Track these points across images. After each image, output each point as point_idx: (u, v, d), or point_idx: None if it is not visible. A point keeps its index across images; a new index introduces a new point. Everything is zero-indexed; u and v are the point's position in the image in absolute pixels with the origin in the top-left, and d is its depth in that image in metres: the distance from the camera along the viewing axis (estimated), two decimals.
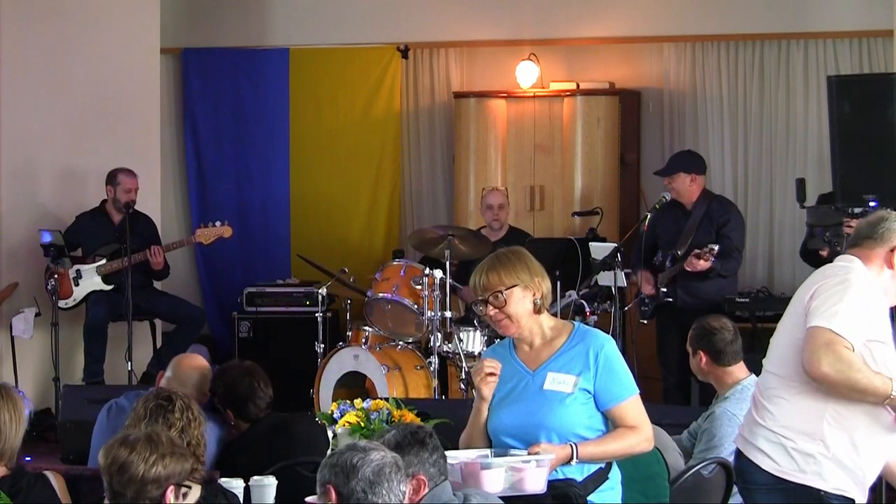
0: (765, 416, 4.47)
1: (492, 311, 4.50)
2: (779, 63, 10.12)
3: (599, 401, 4.47)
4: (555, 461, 4.35)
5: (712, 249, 8.28)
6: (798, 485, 4.39)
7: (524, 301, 4.49)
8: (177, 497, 3.69)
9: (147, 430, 3.79)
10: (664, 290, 8.57)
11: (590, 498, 4.47)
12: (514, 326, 4.53)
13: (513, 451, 4.40)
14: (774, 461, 4.42)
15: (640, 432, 4.50)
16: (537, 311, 4.53)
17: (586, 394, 4.46)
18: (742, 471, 4.55)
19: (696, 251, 8.35)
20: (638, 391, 4.53)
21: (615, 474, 4.59)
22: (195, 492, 4.17)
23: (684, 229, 8.67)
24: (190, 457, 3.78)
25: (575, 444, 4.41)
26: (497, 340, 8.31)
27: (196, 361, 5.68)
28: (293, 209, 10.92)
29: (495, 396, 4.55)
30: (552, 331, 4.57)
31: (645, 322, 8.78)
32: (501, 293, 4.47)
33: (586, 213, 9.90)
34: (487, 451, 4.44)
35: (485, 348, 8.07)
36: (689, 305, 8.36)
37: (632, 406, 4.49)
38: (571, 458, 4.39)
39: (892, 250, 4.46)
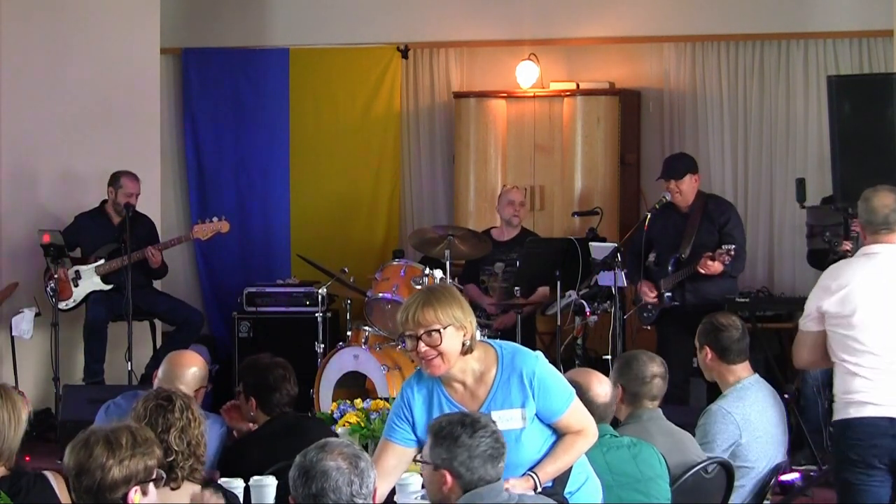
0: None
1: (423, 348, 4.33)
2: (779, 63, 10.12)
3: (543, 417, 4.42)
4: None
5: (729, 251, 8.27)
6: None
7: (456, 341, 4.34)
8: (145, 494, 3.66)
9: (109, 429, 3.70)
10: (668, 294, 8.55)
11: (570, 500, 4.49)
12: (445, 365, 4.36)
13: None
14: None
15: (587, 434, 4.49)
16: (465, 352, 4.38)
17: (534, 419, 4.42)
18: None
19: (710, 253, 8.34)
20: (573, 393, 4.50)
21: (579, 464, 4.56)
22: (189, 488, 4.18)
23: (684, 231, 8.65)
24: (156, 450, 3.72)
25: (535, 473, 4.39)
26: (486, 335, 8.35)
27: (186, 359, 5.64)
28: (293, 209, 10.91)
29: None
30: (479, 363, 4.43)
31: (648, 328, 8.77)
32: (437, 331, 4.31)
33: (586, 213, 9.90)
34: None
35: None
36: (696, 307, 8.33)
37: (574, 412, 4.46)
38: (536, 487, 4.37)
39: None
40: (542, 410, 4.42)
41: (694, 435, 5.60)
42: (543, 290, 9.18)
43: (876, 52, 9.84)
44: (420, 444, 4.50)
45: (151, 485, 3.67)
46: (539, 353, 4.49)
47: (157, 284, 9.72)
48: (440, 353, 4.34)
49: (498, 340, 4.57)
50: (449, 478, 3.91)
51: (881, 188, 5.50)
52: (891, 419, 5.31)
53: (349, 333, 8.77)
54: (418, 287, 8.33)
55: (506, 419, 4.36)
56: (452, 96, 10.61)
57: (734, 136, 10.24)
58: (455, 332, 4.34)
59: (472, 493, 3.88)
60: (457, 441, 3.91)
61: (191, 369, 5.52)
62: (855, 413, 5.37)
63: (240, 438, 5.70)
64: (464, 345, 4.37)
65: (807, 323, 5.49)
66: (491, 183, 10.27)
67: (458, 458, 3.91)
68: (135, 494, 3.63)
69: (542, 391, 4.40)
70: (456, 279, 8.78)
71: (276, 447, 5.27)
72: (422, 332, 4.32)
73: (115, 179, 9.32)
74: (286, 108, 10.88)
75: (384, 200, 10.88)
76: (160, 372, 5.57)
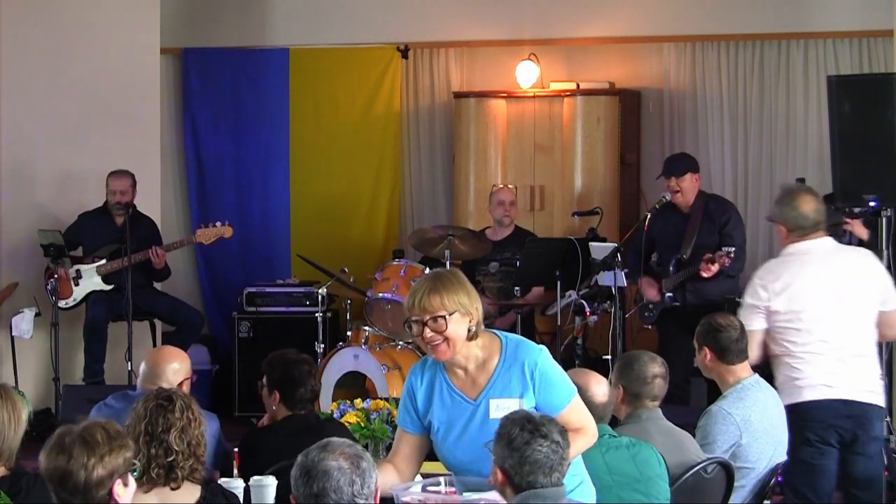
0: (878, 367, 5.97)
1: (429, 333, 4.35)
2: (779, 63, 10.13)
3: (542, 412, 4.34)
4: None
5: (729, 252, 8.27)
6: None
7: (462, 327, 4.35)
8: (126, 485, 3.67)
9: (81, 428, 3.69)
10: (670, 294, 8.55)
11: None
12: (450, 351, 4.37)
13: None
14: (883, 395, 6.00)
15: (587, 432, 4.48)
16: (470, 338, 4.39)
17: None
18: (873, 417, 5.93)
19: (709, 255, 8.33)
20: (575, 390, 4.50)
21: (575, 465, 4.52)
22: (189, 488, 4.18)
23: (685, 232, 8.64)
24: (129, 440, 3.72)
25: None
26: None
27: (163, 355, 5.60)
28: (293, 209, 10.92)
29: (438, 428, 4.48)
30: (483, 350, 4.45)
31: (648, 328, 8.76)
32: (443, 318, 4.32)
33: (586, 213, 9.90)
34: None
35: None
36: (696, 307, 8.32)
37: (573, 409, 4.45)
38: None
39: None
40: (542, 404, 4.40)
41: (694, 436, 5.61)
42: (538, 290, 9.17)
43: (876, 52, 9.84)
44: (424, 432, 4.52)
45: (129, 474, 3.69)
46: (543, 347, 4.50)
47: (157, 285, 9.72)
48: (446, 339, 4.35)
49: (503, 331, 4.57)
50: None
51: (800, 191, 6.17)
52: (844, 401, 5.84)
53: (349, 333, 8.78)
54: None
55: (503, 408, 4.35)
56: (452, 96, 10.62)
57: (734, 136, 10.24)
58: (461, 319, 4.35)
59: (533, 493, 3.88)
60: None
61: (171, 365, 5.50)
62: (810, 396, 5.86)
63: (256, 430, 5.71)
64: (469, 331, 4.38)
65: (753, 322, 5.94)
66: (491, 183, 10.27)
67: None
68: (118, 487, 3.64)
69: (543, 384, 4.40)
70: None
71: (288, 447, 5.27)
72: (427, 317, 4.34)
73: (106, 183, 9.34)
74: (286, 108, 10.89)
75: (384, 200, 10.88)
76: (140, 373, 5.55)
